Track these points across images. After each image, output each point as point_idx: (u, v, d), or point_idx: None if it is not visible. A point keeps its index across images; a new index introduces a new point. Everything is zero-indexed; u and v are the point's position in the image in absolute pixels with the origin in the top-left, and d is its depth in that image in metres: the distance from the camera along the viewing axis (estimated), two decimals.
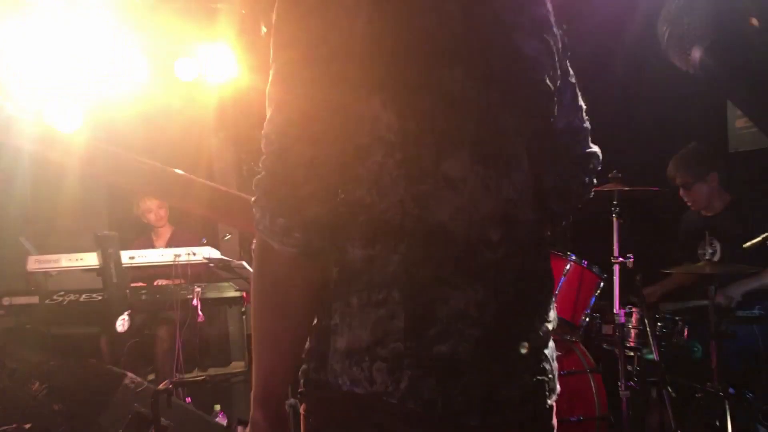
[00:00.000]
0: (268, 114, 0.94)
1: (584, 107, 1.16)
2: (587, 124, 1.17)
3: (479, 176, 0.92)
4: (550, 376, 1.00)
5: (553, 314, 1.03)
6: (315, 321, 0.98)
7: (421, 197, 0.91)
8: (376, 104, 0.91)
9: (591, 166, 1.19)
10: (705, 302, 2.90)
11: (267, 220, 0.93)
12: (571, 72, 1.13)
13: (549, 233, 1.16)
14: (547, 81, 1.01)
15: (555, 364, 1.03)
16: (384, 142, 0.91)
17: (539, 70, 1.00)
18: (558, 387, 1.02)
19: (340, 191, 0.96)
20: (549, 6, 1.05)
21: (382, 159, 0.92)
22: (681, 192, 3.42)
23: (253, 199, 0.95)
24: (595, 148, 1.19)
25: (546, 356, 1.00)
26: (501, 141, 0.95)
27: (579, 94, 1.15)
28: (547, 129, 1.05)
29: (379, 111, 0.91)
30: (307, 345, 0.99)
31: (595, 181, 1.20)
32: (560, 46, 1.07)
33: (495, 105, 0.95)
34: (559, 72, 1.06)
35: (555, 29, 1.06)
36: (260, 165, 0.94)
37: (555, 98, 1.05)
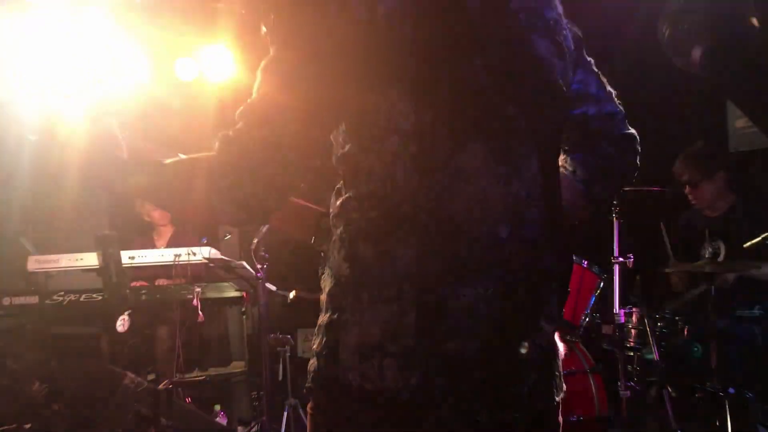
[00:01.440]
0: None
1: (614, 92, 1.21)
2: (621, 108, 1.22)
3: (491, 170, 0.92)
4: (557, 373, 1.01)
5: (558, 313, 1.03)
6: (325, 316, 0.98)
7: (435, 190, 0.91)
8: (393, 95, 0.91)
9: (631, 146, 1.23)
10: (703, 287, 2.90)
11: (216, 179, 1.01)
12: (591, 61, 1.16)
13: (586, 218, 1.21)
14: (560, 82, 1.02)
15: (560, 362, 1.03)
16: (401, 132, 0.91)
17: (552, 71, 1.01)
18: (564, 385, 1.02)
19: (349, 185, 0.97)
20: (560, 9, 1.06)
21: (398, 150, 0.92)
22: (687, 190, 3.38)
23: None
24: (632, 130, 1.24)
25: (553, 354, 1.00)
26: (513, 138, 0.95)
27: (605, 81, 1.19)
28: (558, 128, 1.07)
29: (396, 102, 0.91)
30: (317, 340, 0.99)
31: (638, 162, 1.25)
32: (572, 45, 1.07)
33: (509, 102, 0.95)
34: (572, 70, 1.08)
35: (566, 30, 1.07)
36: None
37: (568, 99, 1.07)
